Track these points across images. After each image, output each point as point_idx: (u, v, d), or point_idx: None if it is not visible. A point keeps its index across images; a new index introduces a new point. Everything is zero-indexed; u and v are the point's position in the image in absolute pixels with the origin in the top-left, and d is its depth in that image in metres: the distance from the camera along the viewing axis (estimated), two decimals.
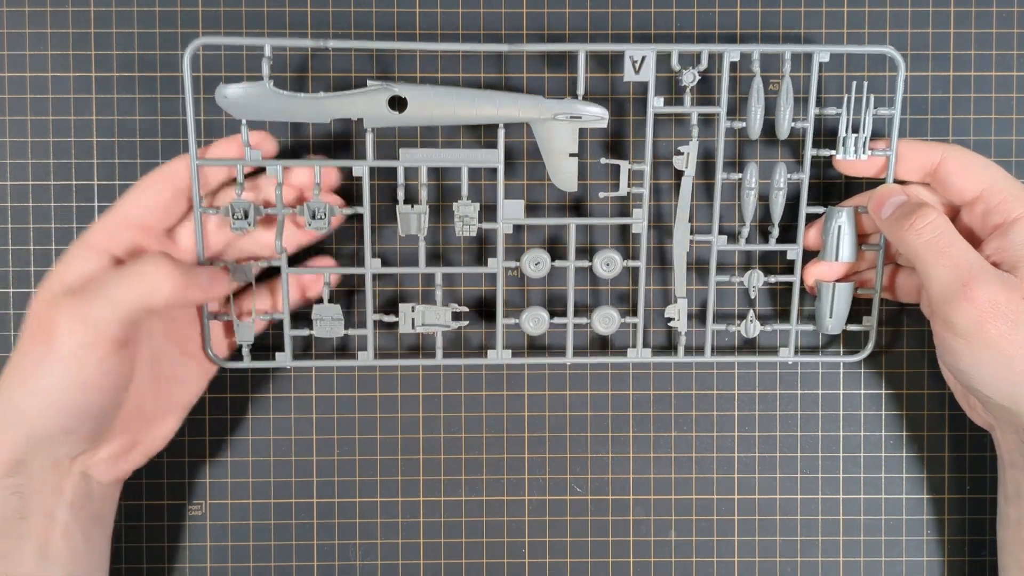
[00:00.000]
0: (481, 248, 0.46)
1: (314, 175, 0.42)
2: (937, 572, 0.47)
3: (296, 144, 0.45)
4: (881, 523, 0.46)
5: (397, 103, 0.42)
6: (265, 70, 0.41)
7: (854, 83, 0.44)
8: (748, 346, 0.47)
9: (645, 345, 0.46)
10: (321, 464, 0.47)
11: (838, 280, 0.45)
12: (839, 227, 0.43)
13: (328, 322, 0.43)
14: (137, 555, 0.46)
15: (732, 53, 0.42)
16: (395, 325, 0.45)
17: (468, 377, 0.46)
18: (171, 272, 0.37)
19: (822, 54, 0.42)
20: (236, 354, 0.45)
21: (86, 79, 0.45)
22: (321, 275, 0.44)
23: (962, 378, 0.40)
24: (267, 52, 0.41)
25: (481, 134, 0.45)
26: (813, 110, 0.43)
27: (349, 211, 0.43)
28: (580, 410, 0.47)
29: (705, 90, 0.45)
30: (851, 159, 0.43)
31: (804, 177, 0.44)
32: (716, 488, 0.47)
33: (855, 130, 0.43)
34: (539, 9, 0.45)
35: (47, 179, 0.46)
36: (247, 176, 0.43)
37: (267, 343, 0.46)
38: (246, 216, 0.41)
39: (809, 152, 0.43)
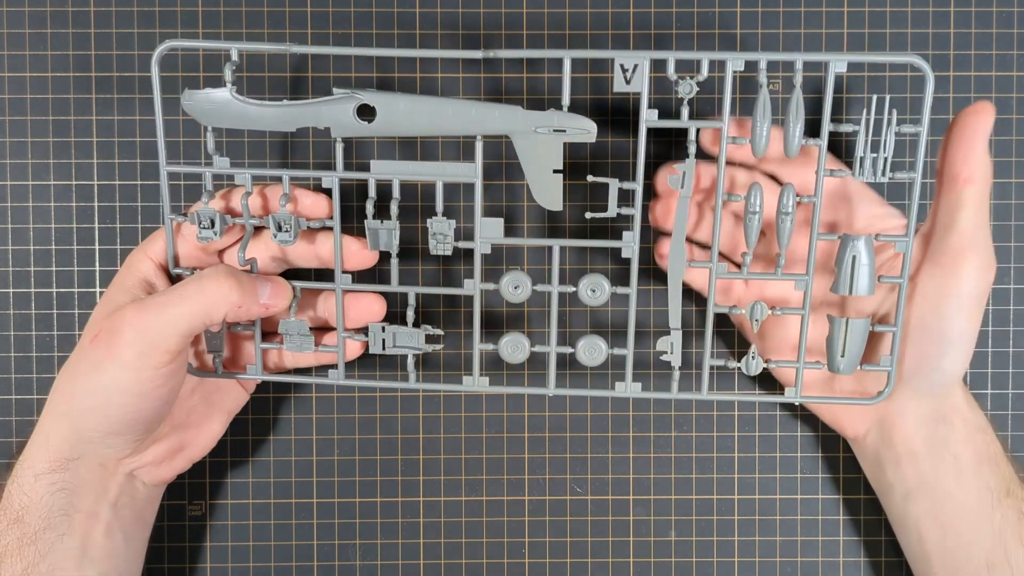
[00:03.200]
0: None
1: (287, 186, 0.41)
2: None
3: (297, 145, 0.45)
4: (881, 523, 0.46)
5: (366, 112, 0.40)
6: (227, 75, 0.39)
7: (874, 96, 0.39)
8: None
9: (637, 372, 0.43)
10: (321, 464, 0.47)
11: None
12: (854, 257, 0.39)
13: (297, 337, 0.42)
14: None
15: (736, 61, 0.38)
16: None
17: None
18: (231, 289, 0.38)
19: (838, 63, 0.38)
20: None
21: (86, 79, 0.45)
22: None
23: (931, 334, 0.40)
24: (233, 56, 0.39)
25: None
26: (827, 126, 0.39)
27: (317, 224, 0.41)
28: (580, 410, 0.47)
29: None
30: (870, 181, 0.40)
31: (817, 200, 0.39)
32: (716, 488, 0.47)
33: (873, 149, 0.39)
34: (539, 9, 0.45)
35: (47, 179, 0.46)
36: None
37: None
38: (212, 225, 0.40)
39: (823, 173, 0.39)
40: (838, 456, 0.46)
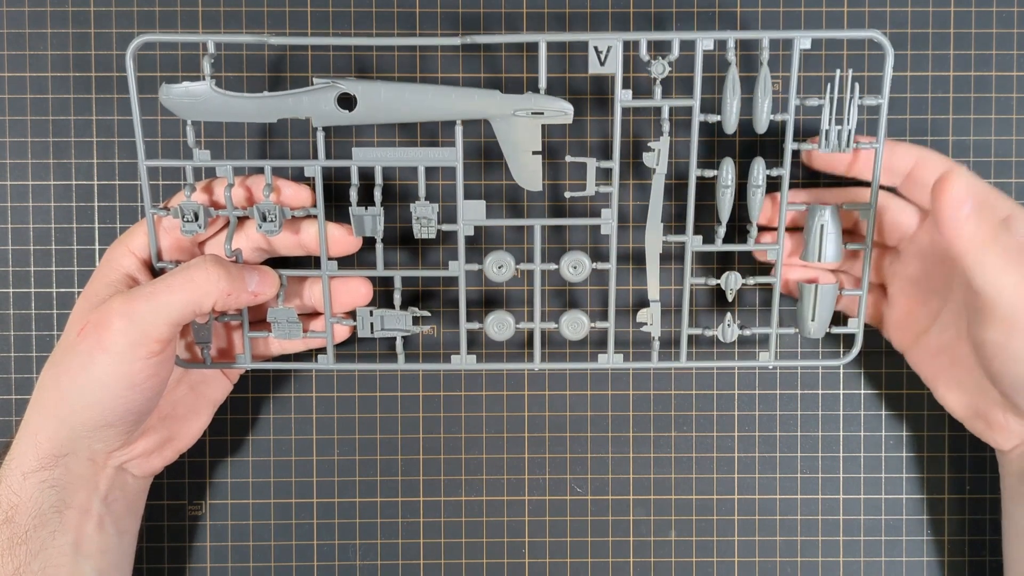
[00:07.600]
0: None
1: (269, 176, 0.41)
2: (937, 572, 0.47)
3: (296, 144, 0.45)
4: (881, 523, 0.46)
5: (347, 101, 0.40)
6: (206, 68, 0.39)
7: (838, 70, 0.41)
8: (730, 347, 0.46)
9: (619, 350, 0.44)
10: (321, 464, 0.47)
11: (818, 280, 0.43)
12: (822, 226, 0.41)
13: (285, 324, 0.42)
14: (137, 555, 0.46)
15: (706, 41, 0.39)
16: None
17: (468, 377, 0.46)
18: (220, 278, 0.38)
19: (803, 40, 0.40)
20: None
21: (86, 79, 0.45)
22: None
23: None
24: (210, 49, 0.39)
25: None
26: (793, 101, 0.40)
27: (302, 213, 0.41)
28: (580, 410, 0.47)
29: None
30: (834, 153, 0.41)
31: (784, 173, 0.41)
32: (716, 488, 0.47)
33: (839, 123, 0.40)
34: (539, 9, 0.45)
35: (47, 179, 0.46)
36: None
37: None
38: (196, 218, 0.40)
39: (789, 146, 0.41)
40: (838, 456, 0.46)
